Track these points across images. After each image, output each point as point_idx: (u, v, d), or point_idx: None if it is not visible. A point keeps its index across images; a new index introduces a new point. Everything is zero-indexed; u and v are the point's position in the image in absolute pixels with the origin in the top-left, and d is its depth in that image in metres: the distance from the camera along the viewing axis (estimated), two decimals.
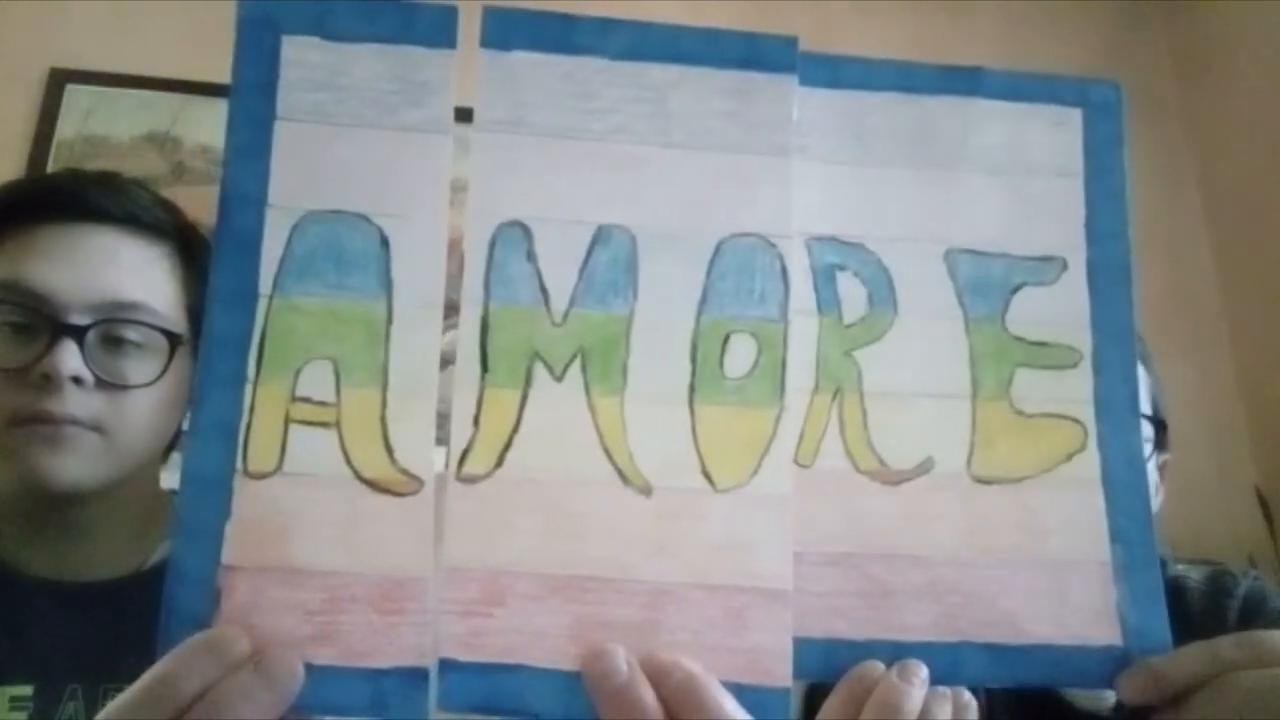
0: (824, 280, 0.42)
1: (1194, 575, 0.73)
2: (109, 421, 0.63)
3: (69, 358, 0.60)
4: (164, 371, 0.65)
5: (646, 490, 0.37)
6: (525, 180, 0.40)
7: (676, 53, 0.43)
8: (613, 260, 0.39)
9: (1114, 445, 0.41)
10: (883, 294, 0.42)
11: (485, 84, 0.41)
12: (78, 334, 0.61)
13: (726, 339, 0.39)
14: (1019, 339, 0.42)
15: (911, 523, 0.40)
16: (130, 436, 0.64)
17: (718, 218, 0.40)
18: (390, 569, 0.36)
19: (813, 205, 0.42)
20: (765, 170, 0.41)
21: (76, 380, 0.60)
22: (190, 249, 0.71)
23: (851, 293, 0.42)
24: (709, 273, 0.39)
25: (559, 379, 0.38)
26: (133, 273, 0.65)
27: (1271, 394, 1.59)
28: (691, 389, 0.38)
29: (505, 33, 0.42)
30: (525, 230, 0.39)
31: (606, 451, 0.38)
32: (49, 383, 0.60)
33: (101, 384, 0.62)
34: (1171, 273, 1.99)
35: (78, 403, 0.61)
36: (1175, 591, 0.71)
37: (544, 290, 0.39)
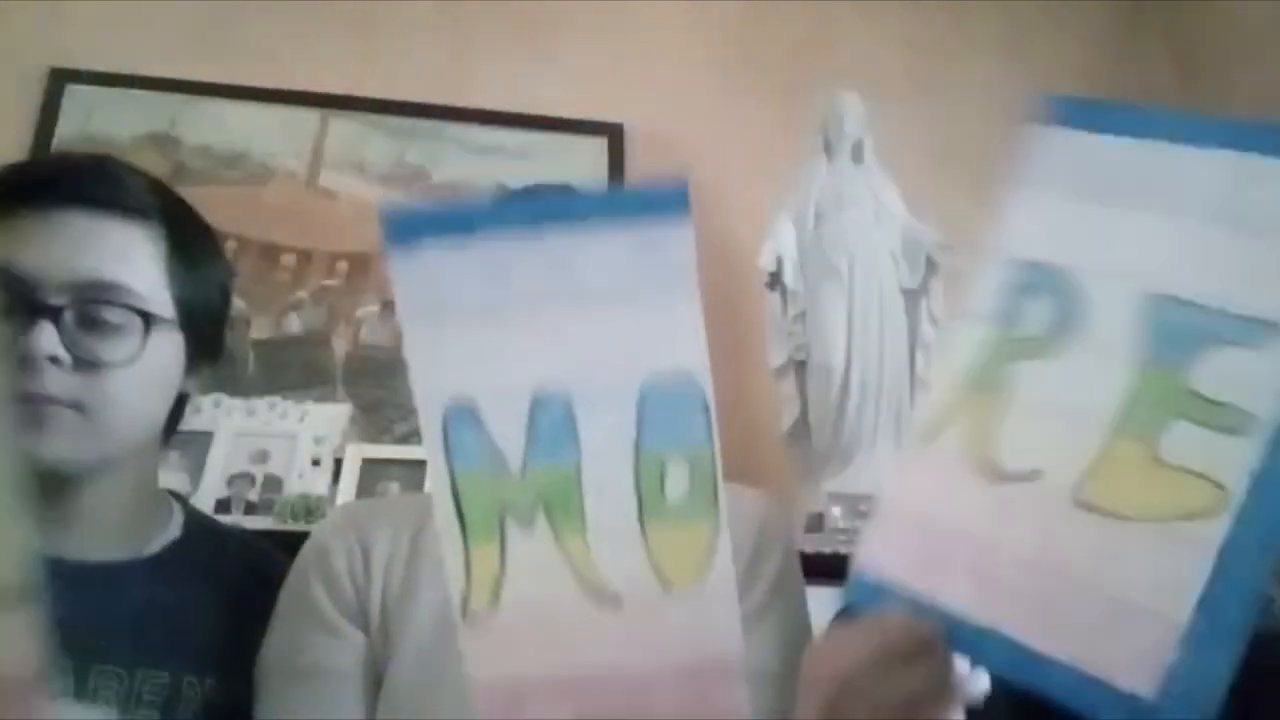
0: (1011, 297, 0.46)
1: None
2: (89, 400, 0.64)
3: (45, 338, 0.62)
4: (141, 350, 0.66)
5: (617, 602, 0.45)
6: (459, 360, 0.44)
7: (576, 215, 0.45)
8: (553, 420, 0.44)
9: (1256, 523, 0.38)
10: (1068, 320, 0.44)
11: (400, 280, 0.44)
12: (53, 314, 0.62)
13: (663, 467, 0.45)
14: (1196, 393, 0.41)
15: (994, 515, 0.44)
16: (112, 415, 0.65)
17: (639, 363, 0.44)
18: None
19: (1031, 231, 0.47)
20: (674, 312, 0.45)
21: (54, 360, 0.62)
22: (179, 232, 0.72)
23: (1037, 313, 0.45)
24: (639, 413, 0.44)
25: (529, 527, 0.44)
26: (113, 254, 0.66)
27: None
28: (640, 515, 0.45)
29: (409, 230, 0.44)
30: (471, 404, 0.44)
31: (580, 577, 0.45)
32: (27, 363, 0.61)
33: (80, 363, 0.63)
34: None
35: (55, 382, 0.62)
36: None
37: (499, 454, 0.44)
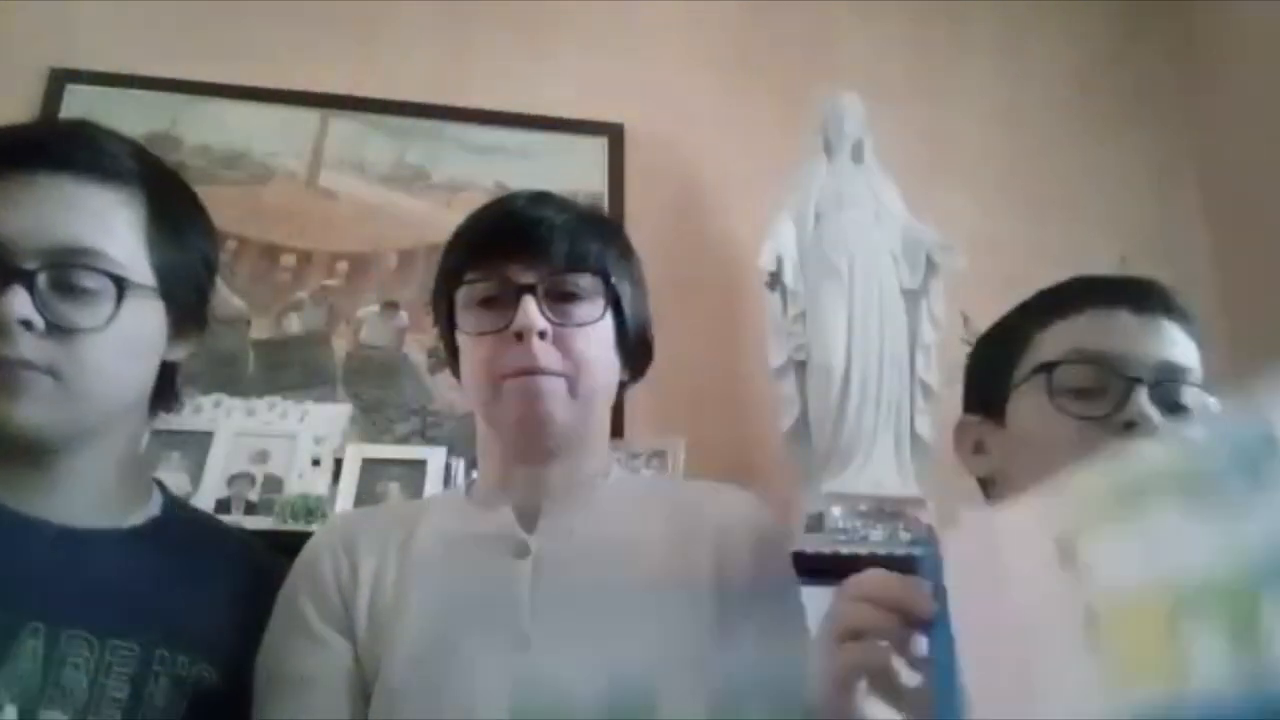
0: (1225, 447, 0.39)
1: None
2: (63, 365, 0.63)
3: (18, 302, 0.61)
4: (114, 315, 0.65)
5: None
6: None
7: None
8: None
9: None
10: (1243, 496, 0.37)
11: None
12: (26, 279, 0.62)
13: None
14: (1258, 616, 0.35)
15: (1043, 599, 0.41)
16: (87, 381, 0.65)
17: None
18: None
19: None
20: None
21: (27, 324, 0.62)
22: (161, 198, 0.71)
23: (1232, 472, 0.38)
24: None
25: None
26: (90, 219, 0.65)
27: None
28: None
29: None
30: None
31: None
32: (0, 328, 0.61)
33: (53, 328, 0.63)
34: (1171, 273, 1.98)
35: (29, 346, 0.62)
36: None
37: None
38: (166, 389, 0.76)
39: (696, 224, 1.94)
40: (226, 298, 1.71)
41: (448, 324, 0.80)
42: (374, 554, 0.74)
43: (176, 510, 0.79)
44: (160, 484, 0.80)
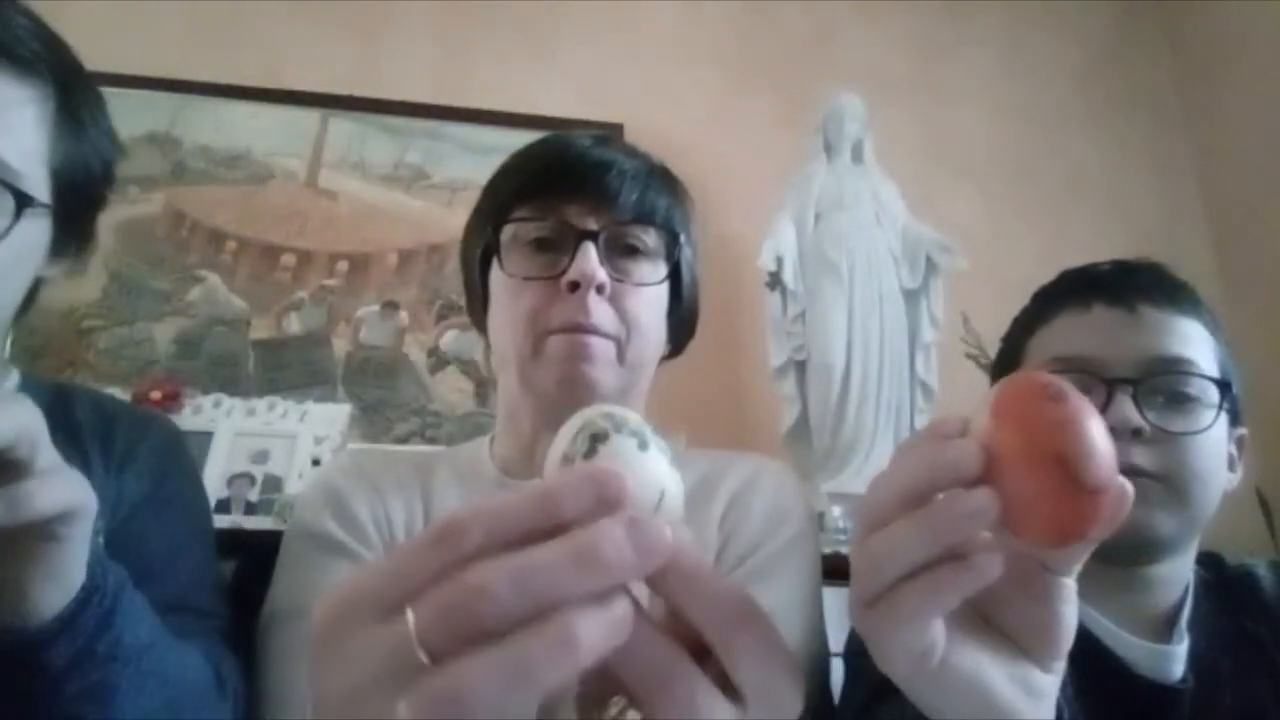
0: None
1: (1261, 567, 0.77)
2: None
3: None
4: (5, 234, 0.55)
5: None
6: None
7: None
8: None
9: None
10: None
11: None
12: None
13: None
14: None
15: None
16: None
17: None
18: None
19: None
20: None
21: None
22: (69, 93, 0.61)
23: None
24: None
25: None
26: None
27: (1271, 394, 1.59)
28: None
29: None
30: None
31: None
32: None
33: None
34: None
35: None
36: (1249, 580, 0.75)
37: None
38: (27, 305, 0.66)
39: (696, 223, 1.93)
40: (227, 297, 1.71)
41: (481, 264, 0.72)
42: (401, 501, 0.70)
43: (33, 381, 0.71)
44: (20, 369, 0.73)
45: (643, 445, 0.30)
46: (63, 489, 0.42)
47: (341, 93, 1.89)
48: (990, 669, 0.35)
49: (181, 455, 0.74)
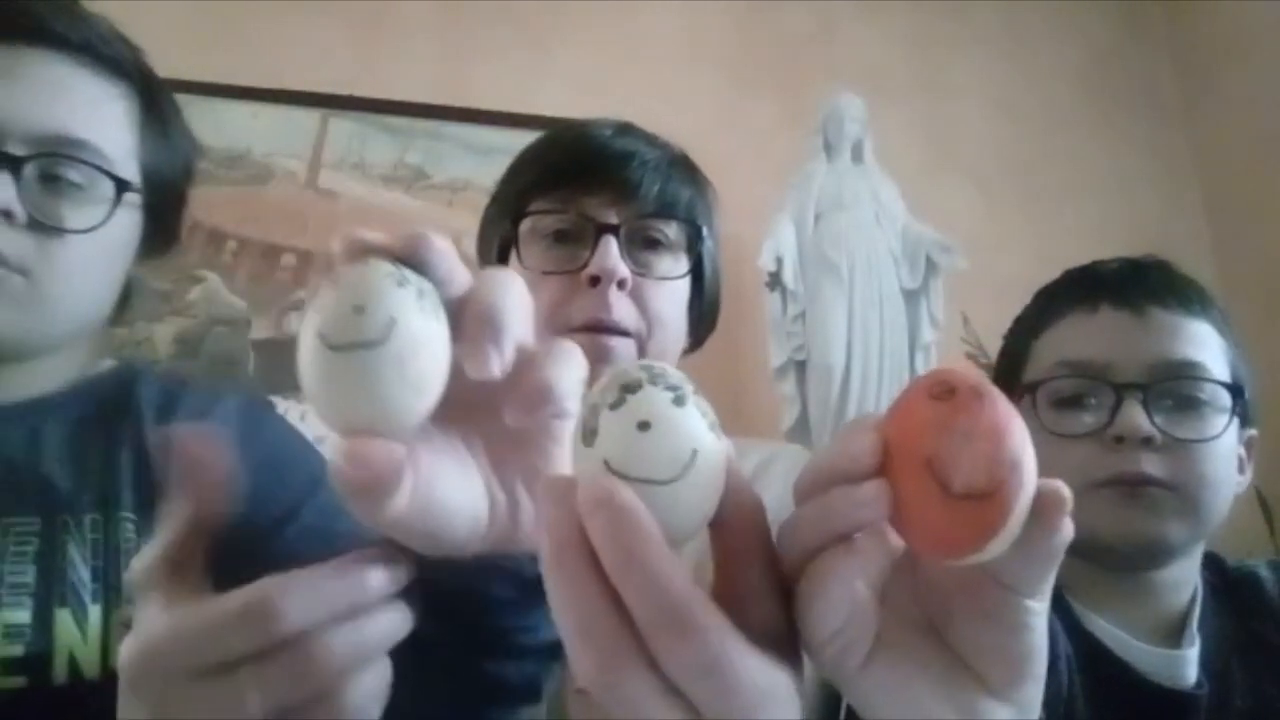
0: None
1: (1263, 569, 0.76)
2: (37, 266, 0.55)
3: (1, 189, 0.54)
4: (106, 219, 0.57)
5: None
6: None
7: None
8: None
9: None
10: None
11: None
12: (13, 165, 0.54)
13: None
14: None
15: None
16: (61, 287, 0.57)
17: None
18: None
19: None
20: None
21: (7, 215, 0.54)
22: (153, 94, 0.63)
23: None
24: None
25: None
26: (84, 108, 0.58)
27: (1271, 394, 1.59)
28: None
29: None
30: None
31: None
32: None
33: (34, 224, 0.55)
34: None
35: (5, 239, 0.54)
36: (1253, 581, 0.74)
37: None
38: (123, 305, 0.66)
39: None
40: (227, 298, 1.71)
41: (497, 256, 0.70)
42: None
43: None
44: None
45: (679, 401, 0.27)
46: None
47: (341, 93, 1.89)
48: (921, 685, 0.31)
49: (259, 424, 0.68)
